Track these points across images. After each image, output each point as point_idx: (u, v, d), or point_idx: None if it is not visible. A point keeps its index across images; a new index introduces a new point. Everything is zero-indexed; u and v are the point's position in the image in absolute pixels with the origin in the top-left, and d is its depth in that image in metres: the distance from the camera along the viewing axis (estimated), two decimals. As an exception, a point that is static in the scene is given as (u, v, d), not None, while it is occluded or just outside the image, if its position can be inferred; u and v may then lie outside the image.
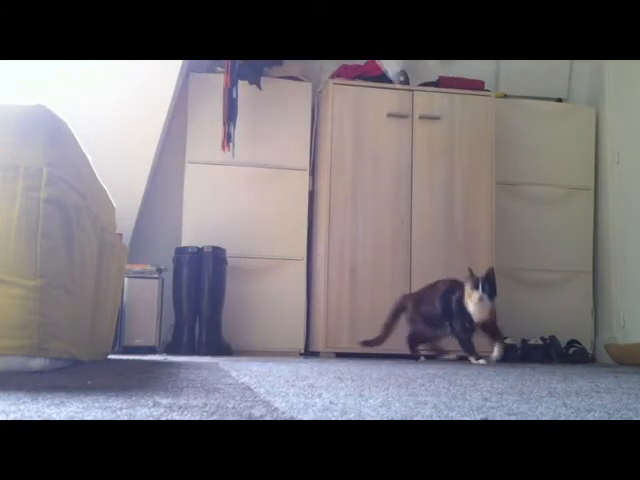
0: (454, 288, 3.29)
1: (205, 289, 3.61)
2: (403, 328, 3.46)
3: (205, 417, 0.87)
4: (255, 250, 3.88)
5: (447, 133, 3.88)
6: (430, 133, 3.86)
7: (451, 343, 3.39)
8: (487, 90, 4.07)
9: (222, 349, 3.57)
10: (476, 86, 4.03)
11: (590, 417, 1.00)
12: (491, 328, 3.27)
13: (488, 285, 3.15)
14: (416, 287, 3.72)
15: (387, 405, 1.08)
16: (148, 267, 3.56)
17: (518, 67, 4.39)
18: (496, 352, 3.20)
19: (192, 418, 0.86)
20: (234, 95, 3.78)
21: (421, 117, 3.85)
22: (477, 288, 3.13)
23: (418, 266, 3.75)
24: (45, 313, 1.59)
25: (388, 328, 3.41)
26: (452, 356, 3.45)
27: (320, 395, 1.22)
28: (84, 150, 1.91)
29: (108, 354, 2.58)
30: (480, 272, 3.18)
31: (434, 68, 4.03)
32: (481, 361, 3.14)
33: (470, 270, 3.17)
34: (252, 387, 1.35)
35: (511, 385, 1.65)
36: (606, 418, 1.00)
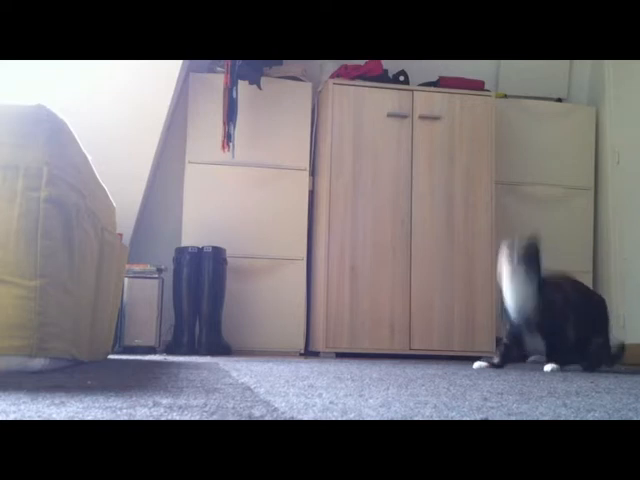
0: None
1: (205, 289, 3.61)
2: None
3: (205, 417, 0.87)
4: (255, 250, 3.88)
5: (447, 133, 3.88)
6: (430, 133, 3.86)
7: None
8: (487, 90, 4.07)
9: (222, 349, 3.57)
10: (476, 86, 4.03)
11: (590, 417, 1.00)
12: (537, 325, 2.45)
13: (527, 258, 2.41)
14: (416, 287, 3.72)
15: (387, 405, 1.08)
16: (148, 267, 3.56)
17: (518, 67, 4.39)
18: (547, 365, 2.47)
19: (192, 418, 0.86)
20: (234, 95, 3.78)
21: (421, 117, 3.85)
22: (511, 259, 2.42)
23: (418, 266, 3.74)
24: (45, 313, 1.58)
25: None
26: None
27: (320, 395, 1.22)
28: (84, 150, 1.91)
29: (108, 354, 2.58)
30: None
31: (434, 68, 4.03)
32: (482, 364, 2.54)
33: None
34: (252, 387, 1.35)
35: (511, 385, 1.65)
36: (606, 418, 1.00)
